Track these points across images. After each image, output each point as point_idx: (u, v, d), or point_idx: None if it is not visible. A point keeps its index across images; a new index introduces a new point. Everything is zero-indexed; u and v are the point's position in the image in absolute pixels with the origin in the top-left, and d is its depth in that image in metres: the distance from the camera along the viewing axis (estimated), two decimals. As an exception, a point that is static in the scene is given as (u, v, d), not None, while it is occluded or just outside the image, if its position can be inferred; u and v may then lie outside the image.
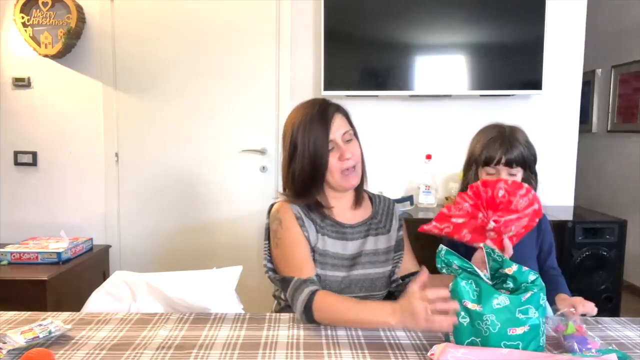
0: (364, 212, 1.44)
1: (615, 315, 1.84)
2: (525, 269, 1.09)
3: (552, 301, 1.27)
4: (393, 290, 1.44)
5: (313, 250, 1.33)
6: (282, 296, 1.39)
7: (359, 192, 1.43)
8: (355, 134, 1.39)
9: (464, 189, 1.43)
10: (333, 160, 1.32)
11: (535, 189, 1.40)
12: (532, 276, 1.08)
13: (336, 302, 1.20)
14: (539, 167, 2.82)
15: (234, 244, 2.83)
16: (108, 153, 2.82)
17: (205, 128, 2.81)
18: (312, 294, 1.20)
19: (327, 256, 1.33)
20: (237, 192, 2.82)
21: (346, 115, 1.38)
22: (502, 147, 1.36)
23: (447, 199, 2.69)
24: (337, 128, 1.33)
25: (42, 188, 2.85)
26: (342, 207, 1.41)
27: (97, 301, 1.38)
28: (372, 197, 1.49)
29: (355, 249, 1.38)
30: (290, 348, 1.08)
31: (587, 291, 2.31)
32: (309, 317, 1.19)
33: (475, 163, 1.42)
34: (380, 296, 1.41)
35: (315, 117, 1.32)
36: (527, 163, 1.39)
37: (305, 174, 1.32)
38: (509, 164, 1.36)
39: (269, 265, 1.38)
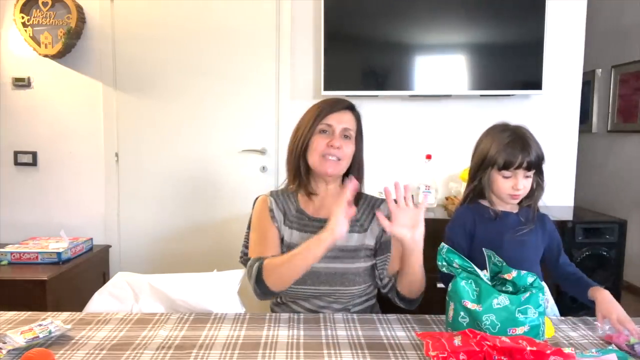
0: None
1: (615, 315, 1.84)
2: (523, 272, 1.09)
3: (583, 294, 1.32)
4: (385, 294, 1.43)
5: (282, 240, 1.42)
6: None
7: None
8: (358, 139, 1.43)
9: (474, 191, 1.43)
10: (320, 140, 1.39)
11: (542, 188, 1.41)
12: (531, 278, 1.08)
13: (277, 259, 1.31)
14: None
15: (234, 244, 2.82)
16: (108, 153, 2.82)
17: (205, 128, 2.81)
18: (260, 263, 1.30)
19: (292, 247, 1.35)
20: (237, 191, 2.82)
21: (357, 117, 1.46)
22: (524, 152, 1.33)
23: (447, 199, 2.69)
24: (341, 120, 1.40)
25: (42, 188, 2.85)
26: (323, 198, 1.45)
27: (100, 302, 1.38)
28: (359, 197, 1.47)
29: None
30: (290, 348, 1.08)
31: (587, 291, 2.32)
32: (262, 287, 1.28)
33: (490, 165, 1.38)
34: (356, 292, 1.38)
35: (327, 102, 1.43)
36: (541, 165, 1.38)
37: (291, 148, 1.43)
38: (529, 168, 1.34)
39: (245, 250, 1.50)
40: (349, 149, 1.40)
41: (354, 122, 1.44)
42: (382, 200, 1.46)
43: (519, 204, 1.42)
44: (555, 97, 2.73)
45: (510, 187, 1.35)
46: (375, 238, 1.43)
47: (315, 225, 1.40)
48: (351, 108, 1.45)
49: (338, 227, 1.21)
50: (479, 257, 1.21)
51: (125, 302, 1.37)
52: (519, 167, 1.34)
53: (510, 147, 1.34)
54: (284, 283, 1.28)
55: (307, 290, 1.37)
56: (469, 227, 1.42)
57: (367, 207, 1.47)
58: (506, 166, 1.35)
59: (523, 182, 1.34)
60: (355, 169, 1.45)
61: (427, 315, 1.30)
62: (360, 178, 1.44)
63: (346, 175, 1.47)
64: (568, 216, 2.46)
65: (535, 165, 1.35)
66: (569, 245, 2.30)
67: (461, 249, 1.35)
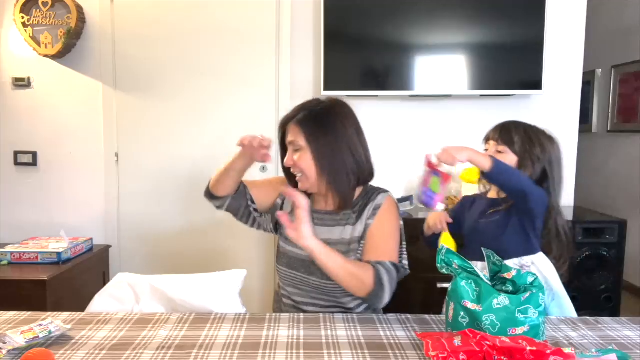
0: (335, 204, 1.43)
1: (615, 315, 1.85)
2: (523, 271, 1.09)
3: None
4: None
5: None
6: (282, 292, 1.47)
7: (340, 197, 1.39)
8: (314, 143, 1.36)
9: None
10: (286, 158, 1.44)
11: (543, 186, 1.47)
12: (531, 278, 1.08)
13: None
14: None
15: (234, 245, 2.83)
16: (108, 153, 2.82)
17: (205, 128, 2.81)
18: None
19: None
20: (237, 192, 2.81)
21: (301, 124, 1.38)
22: (496, 127, 1.55)
23: (447, 199, 2.69)
24: (289, 135, 1.42)
25: (42, 188, 2.85)
26: (317, 196, 1.48)
27: (100, 303, 1.37)
28: (364, 191, 1.45)
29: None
30: (290, 348, 1.08)
31: (587, 291, 2.32)
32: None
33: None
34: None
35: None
36: (520, 148, 1.48)
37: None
38: (495, 139, 1.50)
39: None
40: (302, 162, 1.38)
41: (298, 132, 1.38)
42: (380, 192, 1.42)
43: None
44: (555, 97, 2.73)
45: None
46: (360, 229, 1.39)
47: (314, 216, 1.43)
48: (290, 120, 1.41)
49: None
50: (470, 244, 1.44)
51: (125, 304, 1.37)
52: (489, 139, 1.53)
53: (492, 127, 1.56)
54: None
55: (297, 276, 1.41)
56: (458, 209, 1.67)
57: (364, 199, 1.42)
58: (485, 139, 1.56)
59: (492, 151, 1.49)
60: (325, 172, 1.37)
61: (427, 315, 1.30)
62: (335, 179, 1.37)
63: None
64: (568, 216, 2.45)
65: (505, 141, 1.49)
66: (569, 245, 2.30)
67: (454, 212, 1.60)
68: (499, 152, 1.48)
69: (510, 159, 1.47)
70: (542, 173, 1.49)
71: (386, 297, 1.29)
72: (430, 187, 1.27)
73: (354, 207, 1.41)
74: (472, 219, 1.57)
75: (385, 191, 1.43)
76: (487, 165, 1.31)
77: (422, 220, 1.69)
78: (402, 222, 1.42)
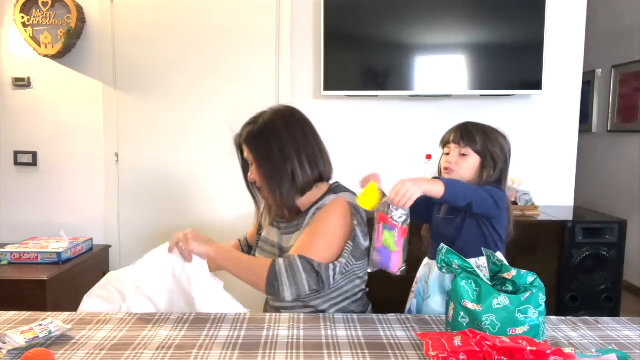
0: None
1: (615, 315, 1.85)
2: (523, 271, 1.09)
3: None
4: None
5: None
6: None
7: (279, 207, 1.43)
8: (258, 160, 1.41)
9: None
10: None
11: (489, 173, 1.44)
12: (531, 277, 1.08)
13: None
14: (539, 167, 2.82)
15: (234, 244, 2.82)
16: (108, 153, 2.82)
17: (205, 128, 2.81)
18: None
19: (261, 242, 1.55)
20: (237, 192, 2.80)
21: (248, 144, 1.43)
22: (456, 130, 1.50)
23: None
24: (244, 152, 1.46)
25: (42, 188, 2.85)
26: None
27: (90, 305, 1.37)
28: (326, 193, 1.45)
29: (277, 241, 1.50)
30: (290, 348, 1.08)
31: (587, 291, 2.32)
32: None
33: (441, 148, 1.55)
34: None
35: None
36: (482, 148, 1.45)
37: None
38: (456, 142, 1.47)
39: None
40: (254, 176, 1.44)
41: (246, 148, 1.45)
42: (337, 192, 1.42)
43: None
44: (555, 97, 2.73)
45: (445, 161, 1.49)
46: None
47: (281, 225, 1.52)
48: (241, 142, 1.46)
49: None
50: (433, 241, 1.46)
51: (113, 303, 1.36)
52: (449, 143, 1.49)
53: (449, 130, 1.52)
54: None
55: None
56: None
57: (317, 202, 1.43)
58: (442, 142, 1.53)
59: (455, 157, 1.46)
60: (265, 184, 1.42)
61: (427, 316, 1.30)
62: (275, 190, 1.40)
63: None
64: (568, 216, 2.46)
65: (467, 142, 1.45)
66: (569, 245, 2.30)
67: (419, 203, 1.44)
68: (463, 154, 1.45)
69: (473, 160, 1.45)
70: (500, 172, 1.47)
71: (285, 290, 1.28)
72: (385, 245, 1.06)
73: (309, 211, 1.42)
74: (436, 215, 1.54)
75: (346, 191, 1.43)
76: (442, 190, 1.27)
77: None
78: (356, 222, 1.37)
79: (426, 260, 1.57)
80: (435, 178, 1.37)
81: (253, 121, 1.46)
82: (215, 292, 1.34)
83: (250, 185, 1.53)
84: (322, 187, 1.46)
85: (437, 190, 1.27)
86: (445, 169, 1.48)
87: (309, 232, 1.37)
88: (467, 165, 1.45)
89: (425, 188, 1.24)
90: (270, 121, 1.44)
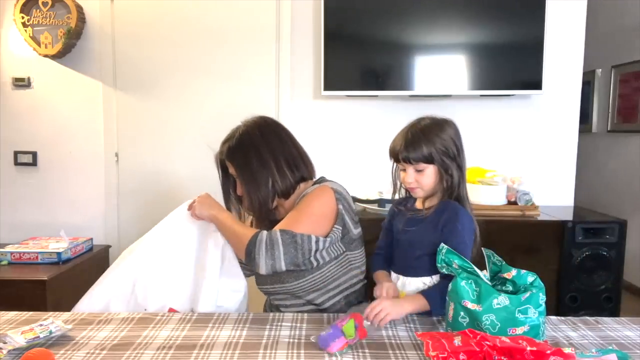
0: None
1: (615, 315, 1.85)
2: (523, 271, 1.09)
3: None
4: None
5: None
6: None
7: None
8: (241, 171, 1.45)
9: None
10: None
11: (450, 184, 1.33)
12: (531, 277, 1.08)
13: None
14: (539, 167, 2.82)
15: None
16: (108, 153, 2.82)
17: (205, 128, 2.81)
18: None
19: None
20: (237, 192, 2.82)
21: (230, 161, 1.47)
22: (401, 146, 1.33)
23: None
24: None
25: (42, 188, 2.85)
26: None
27: (88, 304, 1.39)
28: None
29: None
30: (291, 348, 1.08)
31: (587, 291, 2.32)
32: None
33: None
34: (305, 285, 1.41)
35: None
36: (432, 155, 1.31)
37: None
38: (407, 161, 1.32)
39: None
40: (241, 189, 1.47)
41: (229, 165, 1.48)
42: (320, 182, 1.49)
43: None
44: (555, 97, 2.73)
45: (406, 183, 1.35)
46: None
47: None
48: (222, 158, 1.51)
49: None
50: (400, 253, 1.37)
51: (111, 302, 1.39)
52: (399, 161, 1.34)
53: (394, 141, 1.35)
54: None
55: (268, 289, 1.47)
56: (387, 223, 1.48)
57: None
58: (392, 156, 1.37)
59: (412, 175, 1.32)
60: (246, 195, 1.45)
61: (427, 316, 1.30)
62: (253, 208, 1.45)
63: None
64: (568, 216, 2.46)
65: (417, 157, 1.30)
66: (569, 245, 2.30)
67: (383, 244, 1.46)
68: (419, 170, 1.32)
69: (430, 170, 1.33)
70: (457, 167, 1.35)
71: (260, 261, 1.31)
72: (343, 329, 1.05)
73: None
74: (396, 230, 1.43)
75: (330, 182, 1.47)
76: (427, 307, 1.23)
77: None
78: (341, 207, 1.40)
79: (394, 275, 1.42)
80: (419, 293, 1.27)
81: (230, 137, 1.49)
82: (228, 254, 1.43)
83: (230, 202, 1.56)
84: (307, 185, 1.50)
85: (423, 308, 1.23)
86: (411, 189, 1.36)
87: (293, 213, 1.41)
88: (427, 179, 1.33)
89: (407, 311, 1.22)
90: (246, 133, 1.47)
